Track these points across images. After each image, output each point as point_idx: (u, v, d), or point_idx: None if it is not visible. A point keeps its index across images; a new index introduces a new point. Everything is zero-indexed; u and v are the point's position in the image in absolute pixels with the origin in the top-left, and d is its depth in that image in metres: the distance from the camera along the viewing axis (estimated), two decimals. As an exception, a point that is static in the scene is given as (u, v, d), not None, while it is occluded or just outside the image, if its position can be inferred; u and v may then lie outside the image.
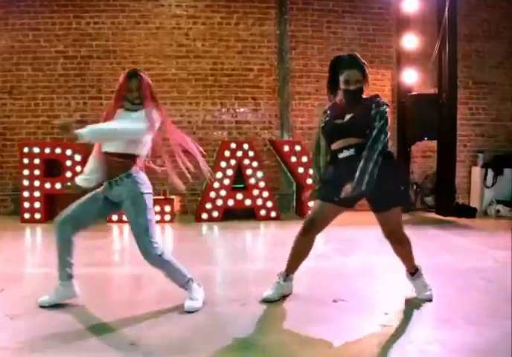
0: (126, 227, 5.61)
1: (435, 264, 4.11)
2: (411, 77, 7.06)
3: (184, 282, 3.04)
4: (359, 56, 3.07)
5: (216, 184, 6.45)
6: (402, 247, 3.15)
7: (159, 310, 3.00)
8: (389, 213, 3.00)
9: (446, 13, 6.57)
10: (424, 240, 5.29)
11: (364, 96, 3.08)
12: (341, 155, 3.01)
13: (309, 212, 3.19)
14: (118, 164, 2.91)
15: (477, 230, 5.91)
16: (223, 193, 6.47)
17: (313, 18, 7.13)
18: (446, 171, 6.84)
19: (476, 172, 7.42)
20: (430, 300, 3.14)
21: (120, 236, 5.90)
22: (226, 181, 6.46)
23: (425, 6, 6.96)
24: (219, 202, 6.47)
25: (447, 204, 6.85)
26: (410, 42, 7.01)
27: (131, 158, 2.94)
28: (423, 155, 7.44)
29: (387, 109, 3.01)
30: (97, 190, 3.06)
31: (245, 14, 7.05)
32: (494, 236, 5.56)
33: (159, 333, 2.65)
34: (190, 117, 7.05)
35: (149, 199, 2.97)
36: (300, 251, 3.17)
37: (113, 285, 3.80)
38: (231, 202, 6.49)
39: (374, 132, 2.88)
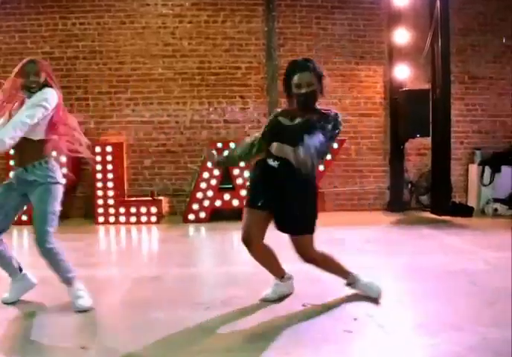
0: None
1: (424, 265, 3.98)
2: (403, 73, 6.88)
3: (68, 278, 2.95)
4: (314, 60, 2.98)
5: (203, 185, 6.34)
6: (318, 265, 3.06)
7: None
8: (301, 237, 2.93)
9: (438, 5, 6.39)
10: (416, 240, 5.19)
11: (320, 107, 2.91)
12: (269, 163, 2.88)
13: (242, 223, 3.01)
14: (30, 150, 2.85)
15: (472, 230, 5.70)
16: (210, 193, 6.34)
17: (302, 14, 6.99)
18: (441, 169, 6.63)
19: (473, 169, 7.20)
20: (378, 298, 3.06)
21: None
22: (213, 182, 6.34)
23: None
24: (206, 203, 6.35)
25: (443, 203, 6.64)
26: (402, 36, 6.83)
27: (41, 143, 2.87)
28: (418, 153, 7.25)
29: (340, 127, 2.87)
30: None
31: (232, 11, 6.94)
32: (488, 235, 5.35)
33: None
34: (177, 117, 6.95)
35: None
36: (263, 260, 3.10)
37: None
38: (218, 203, 6.37)
39: (314, 142, 2.66)
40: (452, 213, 6.51)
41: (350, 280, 3.13)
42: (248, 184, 3.20)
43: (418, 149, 7.23)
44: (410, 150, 7.21)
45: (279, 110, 3.10)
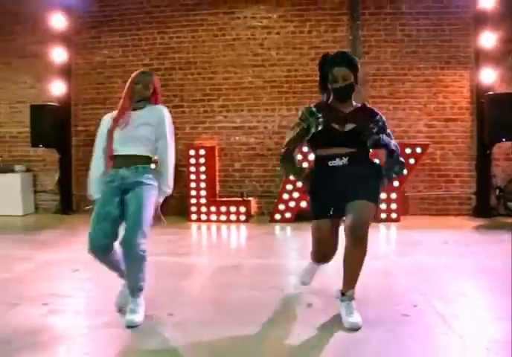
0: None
1: (493, 266, 4.04)
2: (490, 77, 6.81)
3: (139, 288, 2.83)
4: (348, 52, 3.08)
5: (289, 187, 6.63)
6: (354, 247, 2.71)
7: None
8: (363, 203, 2.75)
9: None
10: (493, 244, 5.08)
11: (355, 102, 3.01)
12: (331, 163, 2.85)
13: (313, 236, 3.00)
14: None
15: None
16: (296, 195, 6.63)
17: (386, 22, 7.12)
18: (531, 173, 6.51)
19: None
20: (357, 328, 2.66)
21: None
22: (299, 184, 6.60)
23: (503, 1, 6.72)
24: (292, 204, 6.63)
25: (533, 209, 6.51)
26: (488, 39, 6.77)
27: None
28: (507, 158, 7.08)
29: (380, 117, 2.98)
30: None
31: (317, 22, 7.22)
32: None
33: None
34: (266, 123, 7.31)
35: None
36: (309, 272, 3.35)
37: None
38: (303, 204, 6.63)
39: (393, 142, 2.93)
40: (543, 219, 6.36)
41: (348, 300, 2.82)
42: (310, 194, 3.01)
43: (507, 154, 7.07)
44: (498, 155, 7.07)
45: (313, 108, 3.00)
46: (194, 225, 6.59)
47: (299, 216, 6.63)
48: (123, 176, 2.85)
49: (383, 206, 6.47)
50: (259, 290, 3.40)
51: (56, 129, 7.16)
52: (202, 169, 6.77)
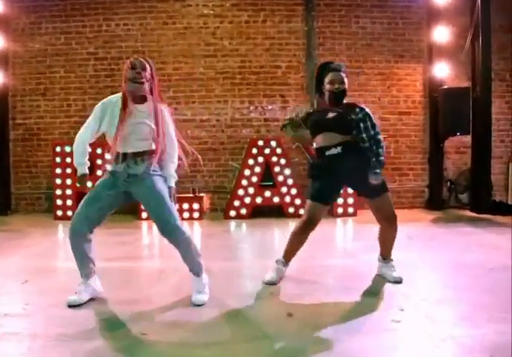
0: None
1: (466, 261, 4.03)
2: (443, 71, 6.87)
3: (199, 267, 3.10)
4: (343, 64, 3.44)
5: (245, 182, 6.44)
6: (390, 232, 3.41)
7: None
8: (382, 197, 3.32)
9: (479, 3, 6.38)
10: (456, 237, 5.17)
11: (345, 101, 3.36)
12: (328, 152, 3.27)
13: (306, 212, 3.39)
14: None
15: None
16: (251, 190, 6.44)
17: (341, 13, 7.04)
18: (481, 167, 6.60)
19: (514, 168, 7.17)
20: (400, 282, 3.36)
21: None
22: (254, 179, 6.44)
23: (457, -3, 6.79)
24: (248, 200, 6.45)
25: (483, 202, 6.62)
26: (441, 34, 6.84)
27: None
28: (458, 151, 7.21)
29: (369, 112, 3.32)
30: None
31: (272, 11, 7.04)
32: None
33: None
34: (218, 116, 7.08)
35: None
36: (296, 245, 3.48)
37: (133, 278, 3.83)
38: (259, 200, 6.46)
39: (374, 130, 3.27)
40: (492, 211, 6.49)
41: (388, 258, 3.53)
42: (312, 178, 3.44)
43: (458, 148, 7.19)
44: (449, 148, 7.18)
45: (310, 110, 3.55)
46: (145, 224, 6.27)
47: (254, 212, 6.46)
48: (130, 173, 2.94)
49: (340, 201, 6.41)
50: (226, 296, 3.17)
51: (-9, 122, 6.62)
52: (153, 164, 6.45)
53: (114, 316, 2.81)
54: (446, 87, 6.69)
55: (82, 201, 3.00)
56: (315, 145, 3.44)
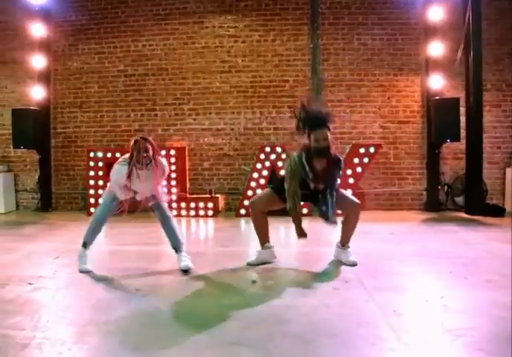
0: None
1: (427, 251, 4.64)
2: (438, 82, 7.42)
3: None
4: (328, 113, 3.86)
5: (253, 184, 7.18)
6: (357, 213, 4.02)
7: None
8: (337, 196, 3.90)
9: (469, 17, 6.91)
10: (433, 233, 5.71)
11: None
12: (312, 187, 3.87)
13: (261, 194, 4.25)
14: None
15: (493, 227, 6.11)
16: (259, 191, 7.16)
17: (344, 31, 7.71)
18: (475, 172, 7.10)
19: (510, 173, 7.56)
20: (355, 264, 4.03)
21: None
22: (262, 181, 7.16)
23: (450, 13, 7.33)
24: (256, 200, 7.18)
25: (476, 204, 7.10)
26: (437, 49, 7.39)
27: None
28: (454, 157, 7.71)
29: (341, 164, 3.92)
30: None
31: (280, 31, 7.79)
32: (505, 232, 5.64)
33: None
34: (232, 125, 7.86)
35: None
36: (260, 225, 4.20)
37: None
38: (266, 200, 7.17)
39: (336, 182, 3.90)
40: (484, 213, 6.96)
41: (346, 245, 4.19)
42: (282, 175, 4.09)
43: (455, 154, 7.69)
44: (447, 154, 7.70)
45: (301, 155, 3.84)
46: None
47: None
48: None
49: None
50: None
51: (36, 132, 7.60)
52: (173, 168, 7.27)
53: (121, 279, 3.65)
54: (437, 98, 7.24)
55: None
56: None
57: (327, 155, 3.78)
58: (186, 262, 3.98)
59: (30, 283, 3.57)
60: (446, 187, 7.68)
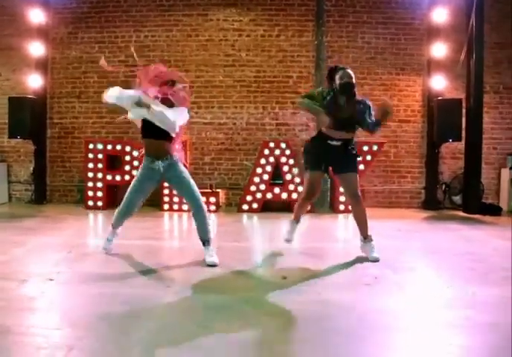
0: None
1: (438, 248, 4.73)
2: (440, 83, 7.52)
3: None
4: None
5: (257, 179, 7.15)
6: (359, 212, 4.19)
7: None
8: (351, 175, 4.12)
9: (473, 19, 7.02)
10: (439, 231, 5.81)
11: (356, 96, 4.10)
12: (331, 143, 4.08)
13: (307, 183, 4.24)
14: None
15: (493, 226, 6.24)
16: (262, 187, 7.15)
17: (348, 29, 7.74)
18: (473, 172, 7.24)
19: (505, 173, 7.72)
20: (377, 260, 4.07)
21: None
22: (265, 177, 7.14)
23: (454, 15, 7.43)
24: (259, 195, 7.16)
25: (473, 203, 7.24)
26: (439, 50, 7.49)
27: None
28: (453, 157, 7.83)
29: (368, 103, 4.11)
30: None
31: (285, 27, 7.76)
32: (505, 230, 5.78)
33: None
34: (235, 120, 7.80)
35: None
36: (302, 210, 4.52)
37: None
38: (269, 195, 7.16)
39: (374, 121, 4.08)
40: (481, 212, 7.11)
41: (368, 237, 4.21)
42: (309, 153, 4.27)
43: (453, 153, 7.82)
44: (446, 154, 7.81)
45: (325, 90, 4.11)
46: (166, 214, 7.01)
47: (264, 207, 7.16)
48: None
49: (342, 199, 7.10)
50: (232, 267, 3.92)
51: (32, 121, 7.37)
52: (175, 161, 7.17)
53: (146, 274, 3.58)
54: (440, 98, 7.34)
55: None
56: (322, 129, 4.14)
57: (350, 92, 3.99)
58: (213, 257, 3.94)
59: (51, 279, 3.42)
60: (444, 186, 7.80)
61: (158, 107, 3.83)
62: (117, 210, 4.23)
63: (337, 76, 3.96)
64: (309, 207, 4.54)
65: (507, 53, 7.83)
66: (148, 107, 3.79)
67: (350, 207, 4.48)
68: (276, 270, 3.86)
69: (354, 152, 4.19)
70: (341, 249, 4.79)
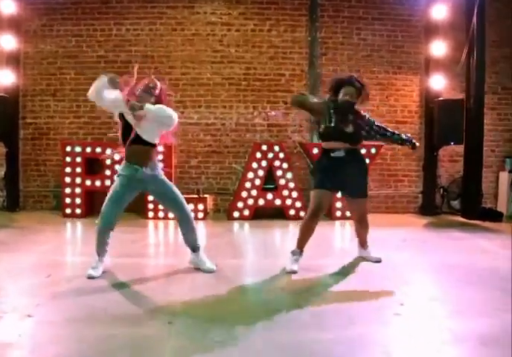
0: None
1: (453, 263, 4.38)
2: (439, 83, 7.19)
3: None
4: (357, 78, 4.13)
5: (248, 184, 6.70)
6: (363, 228, 4.33)
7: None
8: (362, 200, 4.17)
9: (475, 19, 6.69)
10: (447, 241, 5.50)
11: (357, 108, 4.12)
12: (333, 154, 4.02)
13: (313, 200, 4.03)
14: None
15: (498, 234, 5.97)
16: (254, 192, 6.71)
17: (343, 25, 7.33)
18: (473, 175, 6.92)
19: (504, 177, 7.48)
20: (379, 261, 4.27)
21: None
22: (257, 182, 6.70)
23: (453, 12, 7.09)
24: (250, 201, 6.72)
25: (473, 208, 6.93)
26: (438, 48, 7.15)
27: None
28: (451, 160, 7.53)
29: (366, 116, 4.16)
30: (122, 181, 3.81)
31: (277, 21, 7.31)
32: None
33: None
34: (223, 120, 7.32)
35: None
36: (308, 233, 4.08)
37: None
38: (261, 202, 6.73)
39: (377, 126, 4.23)
40: (481, 217, 6.81)
41: (366, 245, 4.42)
42: (315, 171, 4.23)
43: (451, 156, 7.51)
44: (443, 157, 7.50)
45: (330, 100, 4.07)
46: (151, 223, 6.51)
47: (256, 214, 6.72)
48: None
49: (338, 205, 6.72)
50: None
51: (3, 121, 6.75)
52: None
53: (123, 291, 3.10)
54: (441, 98, 7.00)
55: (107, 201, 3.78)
56: (323, 145, 4.15)
57: (347, 107, 4.00)
58: (207, 263, 3.96)
59: (29, 315, 2.88)
60: (441, 190, 7.49)
61: (151, 105, 3.69)
62: (96, 230, 3.80)
63: (341, 92, 4.02)
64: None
65: (505, 53, 7.57)
66: (141, 108, 3.62)
67: (353, 223, 4.55)
68: (289, 294, 3.45)
69: (363, 164, 4.23)
70: (349, 265, 4.37)
